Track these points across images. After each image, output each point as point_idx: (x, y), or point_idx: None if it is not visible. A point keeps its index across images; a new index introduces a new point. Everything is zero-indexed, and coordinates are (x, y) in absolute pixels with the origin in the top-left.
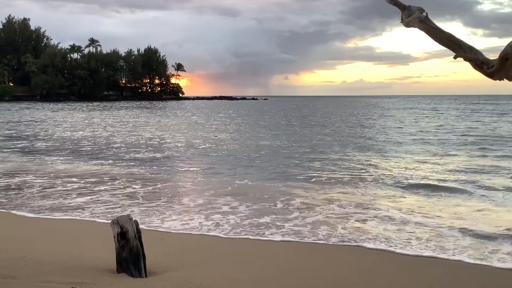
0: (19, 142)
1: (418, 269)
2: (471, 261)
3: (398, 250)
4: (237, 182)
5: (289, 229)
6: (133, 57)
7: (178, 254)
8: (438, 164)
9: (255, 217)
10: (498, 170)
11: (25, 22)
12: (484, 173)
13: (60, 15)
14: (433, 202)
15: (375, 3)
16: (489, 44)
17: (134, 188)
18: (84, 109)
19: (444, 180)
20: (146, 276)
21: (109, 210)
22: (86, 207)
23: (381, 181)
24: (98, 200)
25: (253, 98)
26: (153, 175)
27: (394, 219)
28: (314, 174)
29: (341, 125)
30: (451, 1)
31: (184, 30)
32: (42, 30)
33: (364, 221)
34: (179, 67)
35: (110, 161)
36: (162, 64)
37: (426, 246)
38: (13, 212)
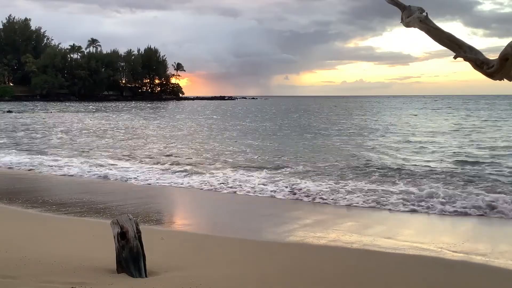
0: None
1: None
2: None
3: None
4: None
5: (287, 230)
6: (133, 57)
7: (178, 254)
8: None
9: (255, 217)
10: None
11: (25, 22)
12: None
13: (61, 15)
14: None
15: (375, 3)
16: (489, 44)
17: None
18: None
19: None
20: (146, 276)
21: None
22: None
23: None
24: None
25: (253, 98)
26: None
27: None
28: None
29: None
30: (451, 1)
31: (184, 30)
32: (42, 30)
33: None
34: (179, 67)
35: None
36: (162, 64)
37: None
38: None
